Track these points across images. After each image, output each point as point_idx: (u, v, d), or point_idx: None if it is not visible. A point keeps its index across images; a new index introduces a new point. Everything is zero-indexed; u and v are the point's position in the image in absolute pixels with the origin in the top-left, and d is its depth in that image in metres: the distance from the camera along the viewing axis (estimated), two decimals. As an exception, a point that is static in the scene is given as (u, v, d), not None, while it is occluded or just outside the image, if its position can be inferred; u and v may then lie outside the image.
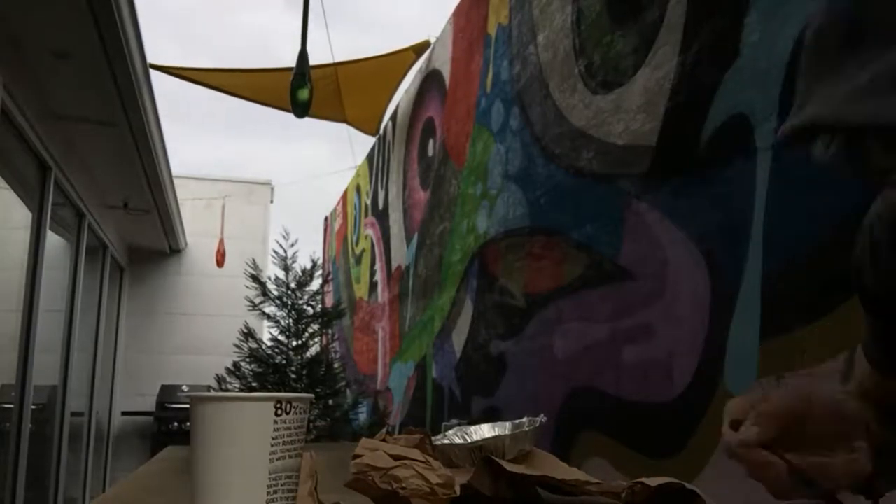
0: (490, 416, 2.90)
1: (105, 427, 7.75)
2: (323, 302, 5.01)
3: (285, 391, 4.23)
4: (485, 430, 1.35)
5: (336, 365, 4.69)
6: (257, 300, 4.43)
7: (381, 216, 5.33)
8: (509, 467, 0.83)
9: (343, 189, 7.10)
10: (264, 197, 9.67)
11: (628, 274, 2.07)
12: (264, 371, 4.23)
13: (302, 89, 3.90)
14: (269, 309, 4.45)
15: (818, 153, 0.49)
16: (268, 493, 0.55)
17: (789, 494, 0.54)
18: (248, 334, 4.34)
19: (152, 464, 1.31)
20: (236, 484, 0.55)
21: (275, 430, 0.56)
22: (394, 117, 5.19)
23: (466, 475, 0.83)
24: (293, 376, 4.29)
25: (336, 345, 6.42)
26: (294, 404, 0.58)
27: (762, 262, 1.55)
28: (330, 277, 7.08)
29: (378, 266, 5.37)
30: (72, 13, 3.13)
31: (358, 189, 6.38)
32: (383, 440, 0.82)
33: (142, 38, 3.66)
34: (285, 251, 4.53)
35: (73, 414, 5.54)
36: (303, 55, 3.91)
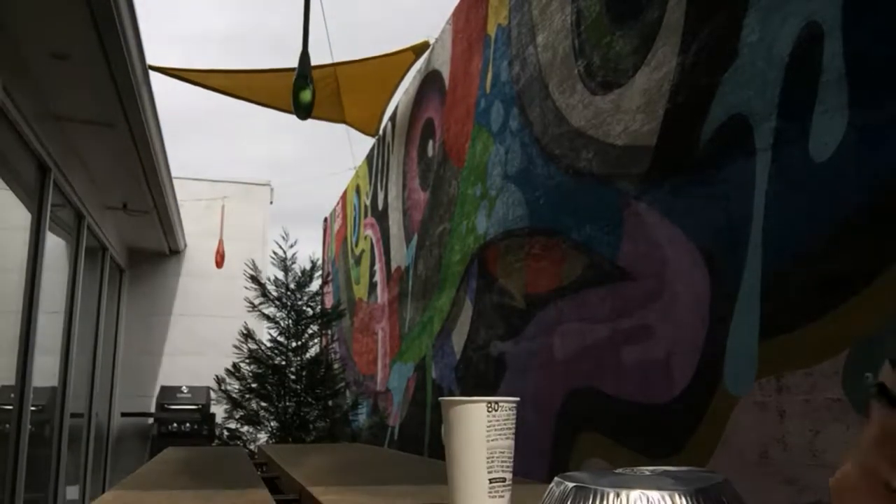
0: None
1: (104, 428, 7.74)
2: (322, 303, 5.01)
3: (284, 392, 4.24)
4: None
5: (336, 366, 4.69)
6: (257, 301, 4.43)
7: (381, 217, 5.33)
8: None
9: (343, 190, 7.10)
10: (264, 198, 9.66)
11: (628, 274, 2.07)
12: (264, 372, 4.23)
13: (304, 91, 3.88)
14: (269, 310, 4.45)
15: None
16: (487, 461, 0.85)
17: None
18: (248, 335, 4.35)
19: (152, 464, 1.31)
20: (466, 453, 0.86)
21: (488, 421, 0.85)
22: (393, 118, 5.19)
23: None
24: (292, 377, 4.29)
25: (336, 346, 6.42)
26: (500, 405, 0.85)
27: (762, 262, 1.55)
28: (329, 278, 7.07)
29: (378, 267, 5.37)
30: (71, 14, 3.13)
31: (357, 190, 6.37)
32: None
33: (141, 40, 3.66)
34: (285, 252, 4.53)
35: (73, 415, 5.54)
36: (304, 56, 3.89)
